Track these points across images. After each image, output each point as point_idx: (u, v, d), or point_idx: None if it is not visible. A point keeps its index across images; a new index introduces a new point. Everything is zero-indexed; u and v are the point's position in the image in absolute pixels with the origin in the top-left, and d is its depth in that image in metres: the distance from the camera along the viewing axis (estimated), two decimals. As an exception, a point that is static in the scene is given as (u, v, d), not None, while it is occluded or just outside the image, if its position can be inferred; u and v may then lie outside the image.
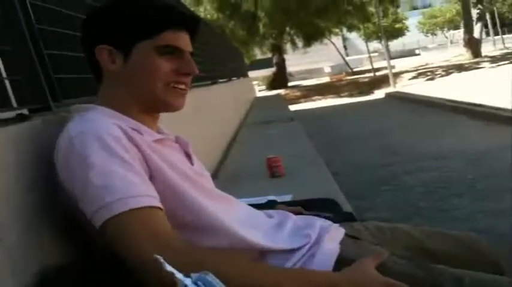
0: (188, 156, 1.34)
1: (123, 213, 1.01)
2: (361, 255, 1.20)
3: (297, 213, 1.46)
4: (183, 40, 1.26)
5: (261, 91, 22.68)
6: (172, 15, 1.26)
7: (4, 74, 1.30)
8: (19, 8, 1.40)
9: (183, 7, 1.24)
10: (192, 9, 11.88)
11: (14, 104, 1.31)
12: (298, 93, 21.36)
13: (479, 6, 22.18)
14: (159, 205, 1.07)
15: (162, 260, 0.57)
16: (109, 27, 1.24)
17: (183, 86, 1.27)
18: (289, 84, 26.35)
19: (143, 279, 0.99)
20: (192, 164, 1.32)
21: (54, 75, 1.52)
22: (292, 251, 1.22)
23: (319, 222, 1.36)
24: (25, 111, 1.34)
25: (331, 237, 1.30)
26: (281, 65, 26.12)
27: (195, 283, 0.49)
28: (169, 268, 0.54)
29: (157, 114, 1.33)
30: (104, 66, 1.24)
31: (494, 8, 33.00)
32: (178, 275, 0.50)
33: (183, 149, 1.35)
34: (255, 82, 20.15)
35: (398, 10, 30.87)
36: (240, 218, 1.25)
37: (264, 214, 1.37)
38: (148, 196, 1.05)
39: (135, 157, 1.11)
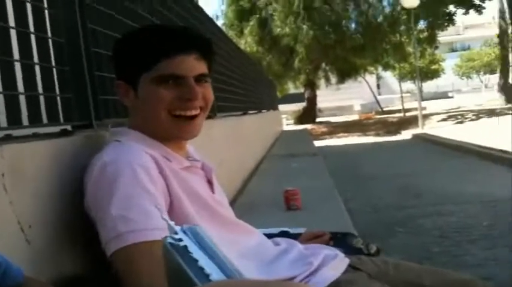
0: (210, 183, 1.38)
1: (134, 244, 1.04)
2: (352, 282, 1.27)
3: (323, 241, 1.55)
4: (183, 65, 1.24)
5: (288, 125, 22.73)
6: (164, 43, 1.24)
7: (57, 91, 1.40)
8: (81, 32, 1.50)
9: (192, 31, 1.22)
10: (234, 41, 12.12)
11: (61, 119, 1.41)
12: (324, 129, 21.34)
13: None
14: None
15: (166, 217, 0.59)
16: (119, 63, 1.32)
17: (190, 112, 1.26)
18: (317, 120, 26.36)
19: None
20: (213, 192, 1.36)
21: (100, 95, 1.61)
22: (291, 279, 1.24)
23: (326, 251, 1.39)
24: (69, 127, 1.44)
25: (334, 267, 1.33)
26: (312, 100, 26.17)
27: (183, 231, 0.52)
28: (166, 216, 0.57)
29: (178, 144, 1.34)
30: (121, 100, 1.33)
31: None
32: (171, 223, 0.53)
33: (207, 176, 1.38)
34: (283, 115, 20.25)
35: (436, 51, 30.60)
36: (247, 248, 1.29)
37: (272, 242, 1.41)
38: (164, 229, 1.12)
39: (161, 190, 1.15)
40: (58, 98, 1.39)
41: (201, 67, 1.27)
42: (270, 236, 1.49)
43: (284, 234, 2.00)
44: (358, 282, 1.31)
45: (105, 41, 1.69)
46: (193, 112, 1.27)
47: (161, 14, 2.60)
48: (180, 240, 0.51)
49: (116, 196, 1.09)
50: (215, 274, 0.49)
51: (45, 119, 1.32)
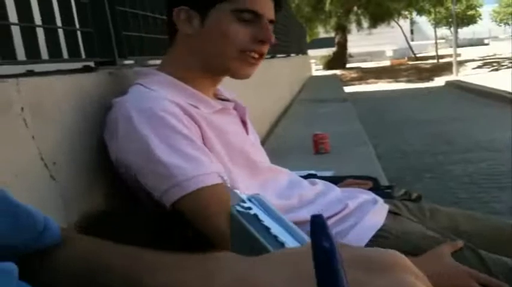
0: (244, 123, 1.35)
1: (194, 192, 1.03)
2: (405, 232, 1.22)
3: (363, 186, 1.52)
4: (265, 5, 1.20)
5: (317, 70, 22.44)
6: None
7: (77, 26, 1.33)
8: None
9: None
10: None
11: (83, 55, 1.35)
12: (354, 75, 21.03)
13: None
14: (226, 179, 1.08)
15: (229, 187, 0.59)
16: None
17: (256, 55, 1.22)
18: (348, 65, 25.93)
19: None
20: (247, 133, 1.34)
21: (123, 31, 1.55)
22: (327, 218, 1.25)
23: (364, 196, 1.36)
24: (92, 63, 1.40)
25: (377, 213, 1.30)
26: (343, 45, 25.68)
27: (249, 199, 0.51)
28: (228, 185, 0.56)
29: (220, 79, 1.30)
30: (180, 28, 1.21)
31: None
32: (236, 191, 0.52)
33: (240, 116, 1.35)
34: (312, 61, 19.96)
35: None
36: (282, 189, 1.28)
37: (309, 183, 1.38)
38: (216, 173, 1.06)
39: (196, 133, 1.12)
40: (78, 32, 1.34)
41: (273, 12, 1.24)
42: None
43: (311, 177, 2.00)
44: (415, 232, 1.25)
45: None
46: (259, 56, 1.23)
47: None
48: (250, 208, 0.50)
49: (155, 145, 1.05)
50: (289, 242, 0.49)
51: (65, 55, 1.28)
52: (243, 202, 0.51)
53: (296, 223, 1.14)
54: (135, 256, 0.51)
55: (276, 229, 0.48)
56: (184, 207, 1.04)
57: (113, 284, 0.49)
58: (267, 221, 0.49)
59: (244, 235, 0.49)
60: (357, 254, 0.39)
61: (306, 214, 1.22)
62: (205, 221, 1.03)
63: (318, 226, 0.37)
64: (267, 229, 0.48)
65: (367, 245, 1.19)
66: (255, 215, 0.49)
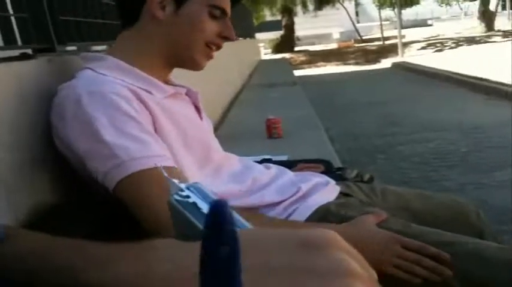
0: (198, 109, 1.35)
1: (138, 172, 1.00)
2: (345, 205, 1.26)
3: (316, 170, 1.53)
4: (228, 3, 1.25)
5: (266, 54, 22.47)
6: None
7: (11, 11, 1.26)
8: None
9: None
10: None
11: (19, 42, 1.29)
12: (303, 58, 21.18)
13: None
14: (173, 164, 1.06)
15: (163, 170, 0.60)
16: None
17: (215, 49, 1.27)
18: (296, 49, 26.08)
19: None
20: (201, 118, 1.33)
21: (60, 17, 1.48)
22: (279, 202, 1.26)
23: (317, 178, 1.38)
24: (29, 51, 1.32)
25: (325, 193, 1.33)
26: (290, 28, 25.78)
27: (188, 188, 0.51)
28: (166, 175, 0.57)
29: (167, 69, 1.30)
30: (151, 11, 1.19)
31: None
32: (174, 181, 0.52)
33: (193, 102, 1.34)
34: (261, 44, 19.96)
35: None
36: (235, 174, 1.29)
37: (264, 167, 1.40)
38: (162, 156, 1.05)
39: (146, 118, 1.10)
40: (12, 18, 1.26)
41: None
42: None
43: (266, 162, 2.00)
44: (351, 205, 1.30)
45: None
46: (216, 50, 1.28)
47: None
48: (188, 197, 0.50)
49: (102, 127, 1.03)
50: None
51: (0, 43, 1.21)
52: (181, 191, 0.51)
53: (250, 207, 1.11)
54: (79, 250, 0.50)
55: None
56: (126, 189, 1.01)
57: (57, 280, 0.48)
58: (205, 208, 0.49)
59: (184, 223, 0.49)
60: (289, 236, 0.40)
61: (259, 198, 1.26)
62: (140, 208, 1.01)
63: (216, 218, 0.33)
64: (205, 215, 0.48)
65: (307, 220, 1.23)
66: (194, 203, 0.49)
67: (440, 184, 3.94)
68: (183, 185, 0.52)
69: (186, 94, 1.32)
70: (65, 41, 1.50)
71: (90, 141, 1.04)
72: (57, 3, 1.47)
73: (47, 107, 1.13)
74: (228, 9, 1.25)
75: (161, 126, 1.13)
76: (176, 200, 0.50)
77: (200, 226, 0.47)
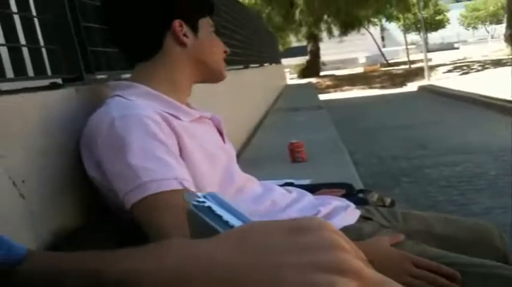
0: (220, 134, 1.38)
1: (154, 194, 1.01)
2: (361, 228, 1.27)
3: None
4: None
5: (292, 79, 22.56)
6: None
7: (42, 43, 1.32)
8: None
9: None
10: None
11: (49, 72, 1.34)
12: (329, 83, 21.21)
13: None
14: (192, 187, 1.07)
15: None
16: (180, 1, 1.30)
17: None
18: (321, 73, 26.12)
19: None
20: (224, 142, 1.37)
21: (89, 47, 1.53)
22: None
23: (337, 202, 1.40)
24: (59, 80, 1.37)
25: (345, 216, 1.35)
26: (315, 54, 25.87)
27: (204, 196, 0.55)
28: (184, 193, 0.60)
29: (189, 92, 1.37)
30: (177, 39, 1.27)
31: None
32: (191, 191, 0.57)
33: (217, 126, 1.38)
34: (286, 70, 20.07)
35: (440, 1, 30.02)
36: (257, 196, 1.31)
37: (285, 190, 1.41)
38: (183, 180, 1.06)
39: (173, 141, 1.13)
40: (43, 49, 1.31)
41: None
42: None
43: (289, 185, 2.01)
44: (368, 228, 1.31)
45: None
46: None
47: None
48: (204, 202, 0.55)
49: (131, 149, 1.06)
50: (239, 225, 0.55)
51: (31, 73, 1.26)
52: (198, 198, 0.56)
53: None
54: (93, 255, 0.53)
55: (227, 216, 0.54)
56: (141, 210, 1.03)
57: (74, 284, 0.51)
58: (219, 211, 0.54)
59: (200, 226, 0.54)
60: (285, 222, 0.46)
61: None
62: (154, 226, 1.01)
63: None
64: (219, 216, 0.54)
65: None
66: (209, 207, 0.54)
67: (467, 208, 3.88)
68: (200, 194, 0.56)
69: (210, 119, 1.37)
70: (93, 71, 1.55)
71: (119, 163, 1.07)
72: (86, 34, 1.52)
73: (73, 133, 1.17)
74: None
75: (187, 148, 1.16)
76: (193, 205, 0.55)
77: (214, 225, 0.53)
